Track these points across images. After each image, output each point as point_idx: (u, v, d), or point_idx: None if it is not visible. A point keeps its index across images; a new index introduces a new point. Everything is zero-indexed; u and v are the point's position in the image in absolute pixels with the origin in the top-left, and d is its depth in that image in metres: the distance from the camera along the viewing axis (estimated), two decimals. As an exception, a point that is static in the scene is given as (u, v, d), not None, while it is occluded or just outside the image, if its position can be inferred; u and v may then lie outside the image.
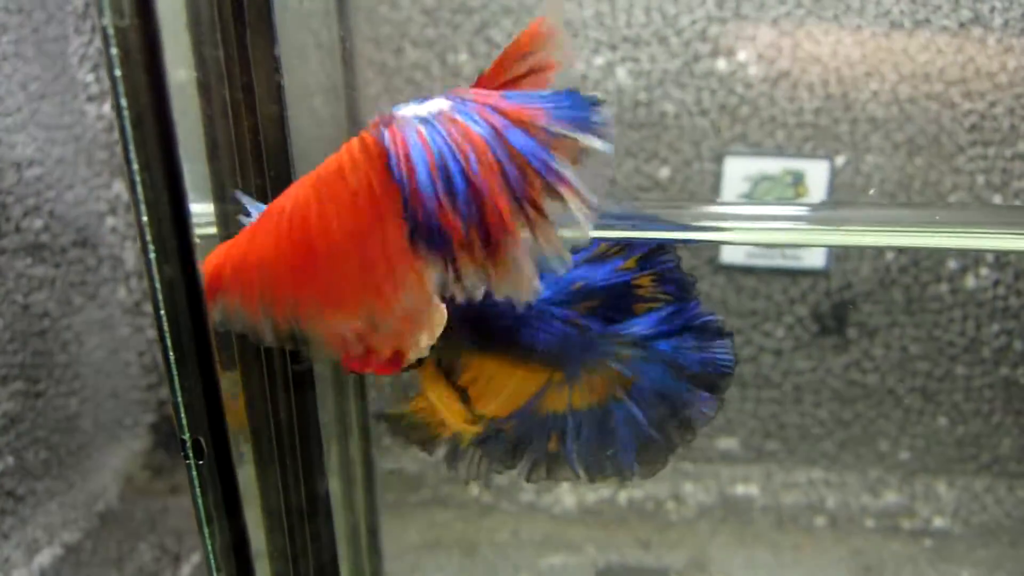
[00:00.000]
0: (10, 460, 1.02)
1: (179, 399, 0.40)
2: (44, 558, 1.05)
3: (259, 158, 0.42)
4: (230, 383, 0.49)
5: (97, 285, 1.22)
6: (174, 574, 1.06)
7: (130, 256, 1.25)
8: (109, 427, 1.25)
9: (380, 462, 0.76)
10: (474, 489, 1.19)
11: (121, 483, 1.24)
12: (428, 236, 0.34)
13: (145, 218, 0.37)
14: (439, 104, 0.36)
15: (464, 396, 0.49)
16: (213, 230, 0.43)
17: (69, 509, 1.13)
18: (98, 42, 1.16)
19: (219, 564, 0.43)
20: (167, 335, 0.39)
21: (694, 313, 0.48)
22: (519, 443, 0.53)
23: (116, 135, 1.21)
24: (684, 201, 1.08)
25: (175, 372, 0.40)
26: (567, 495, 1.18)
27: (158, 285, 0.38)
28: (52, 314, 1.10)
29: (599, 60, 1.08)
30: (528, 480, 0.54)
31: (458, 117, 0.34)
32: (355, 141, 0.35)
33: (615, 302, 0.49)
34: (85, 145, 1.19)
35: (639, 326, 0.48)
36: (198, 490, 0.42)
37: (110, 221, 1.23)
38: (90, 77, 1.18)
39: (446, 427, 0.51)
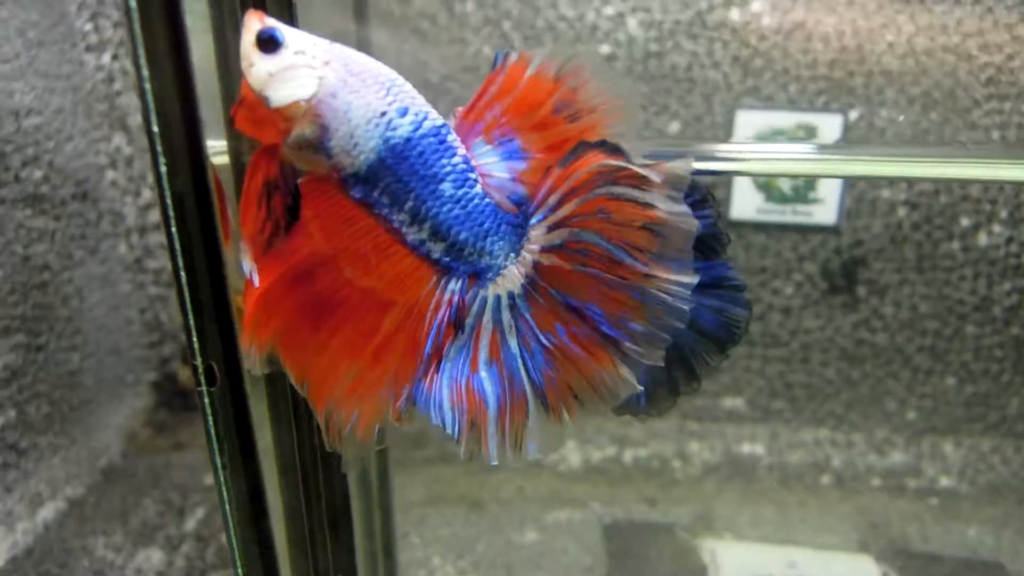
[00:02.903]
0: (12, 414, 1.01)
1: (191, 322, 0.39)
2: (48, 512, 1.05)
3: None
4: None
5: (98, 240, 1.20)
6: (179, 528, 1.05)
7: (131, 211, 1.24)
8: (111, 383, 1.24)
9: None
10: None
11: (124, 439, 1.24)
12: None
13: (155, 128, 0.35)
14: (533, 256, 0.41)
15: None
16: (225, 159, 0.41)
17: (72, 464, 1.12)
18: (97, -10, 1.14)
19: (231, 493, 0.42)
20: (178, 254, 0.38)
21: (720, 273, 0.46)
22: None
23: (116, 87, 1.19)
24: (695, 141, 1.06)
25: (187, 295, 0.38)
26: (573, 453, 1.18)
27: (168, 200, 0.37)
28: (52, 267, 1.09)
29: (609, 10, 1.05)
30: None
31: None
32: None
33: None
34: (84, 96, 1.17)
35: None
36: (210, 418, 0.41)
37: (110, 175, 1.21)
38: (88, 26, 1.15)
39: None
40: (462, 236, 0.41)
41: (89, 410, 1.18)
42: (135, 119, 1.19)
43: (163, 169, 0.36)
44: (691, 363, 0.48)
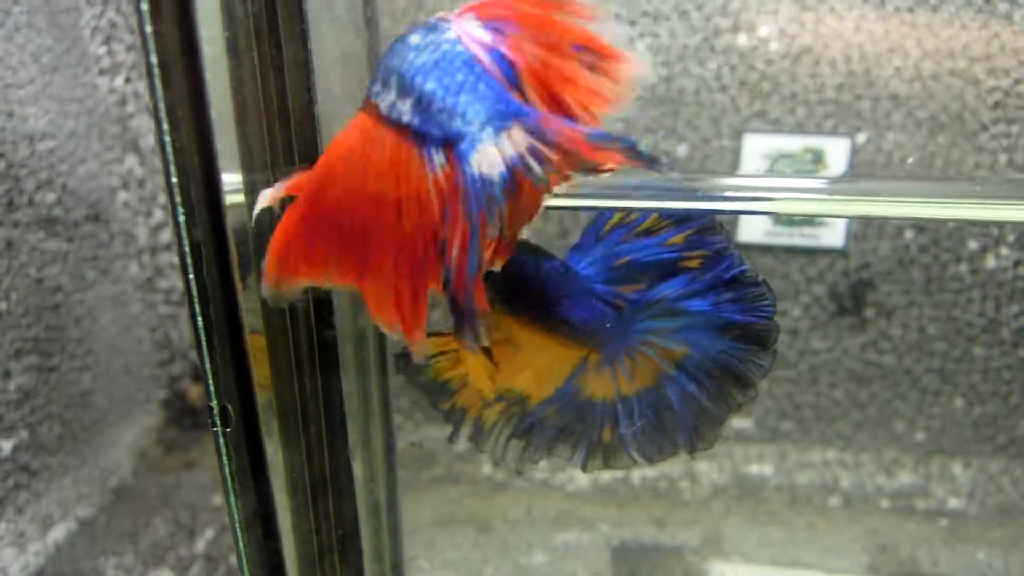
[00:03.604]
0: (24, 435, 1.02)
1: (207, 365, 0.39)
2: (59, 532, 1.06)
3: (286, 122, 0.41)
4: (257, 353, 0.49)
5: (110, 260, 1.21)
6: (189, 549, 1.06)
7: (142, 232, 1.25)
8: (122, 403, 1.25)
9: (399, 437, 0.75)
10: (487, 467, 1.19)
11: (134, 458, 1.24)
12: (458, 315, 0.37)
13: (174, 179, 0.36)
14: (516, 150, 0.36)
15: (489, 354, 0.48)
16: (240, 198, 0.42)
17: (83, 484, 1.13)
18: (110, 14, 1.15)
19: (244, 533, 0.43)
20: (195, 300, 0.38)
21: (724, 266, 0.47)
22: (565, 431, 0.51)
23: (128, 109, 1.20)
24: (703, 174, 1.07)
25: (203, 338, 0.39)
26: (581, 473, 1.18)
27: (187, 248, 0.37)
28: (65, 289, 1.10)
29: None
30: (584, 470, 0.53)
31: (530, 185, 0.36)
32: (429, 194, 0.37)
33: (662, 279, 0.48)
34: (97, 119, 1.18)
35: (669, 288, 0.47)
36: (224, 458, 0.41)
37: (122, 196, 1.23)
38: (102, 50, 1.17)
39: (465, 381, 0.50)
40: (428, 87, 0.36)
41: (100, 429, 1.19)
42: (147, 140, 1.21)
43: (181, 219, 0.37)
44: (740, 373, 0.48)
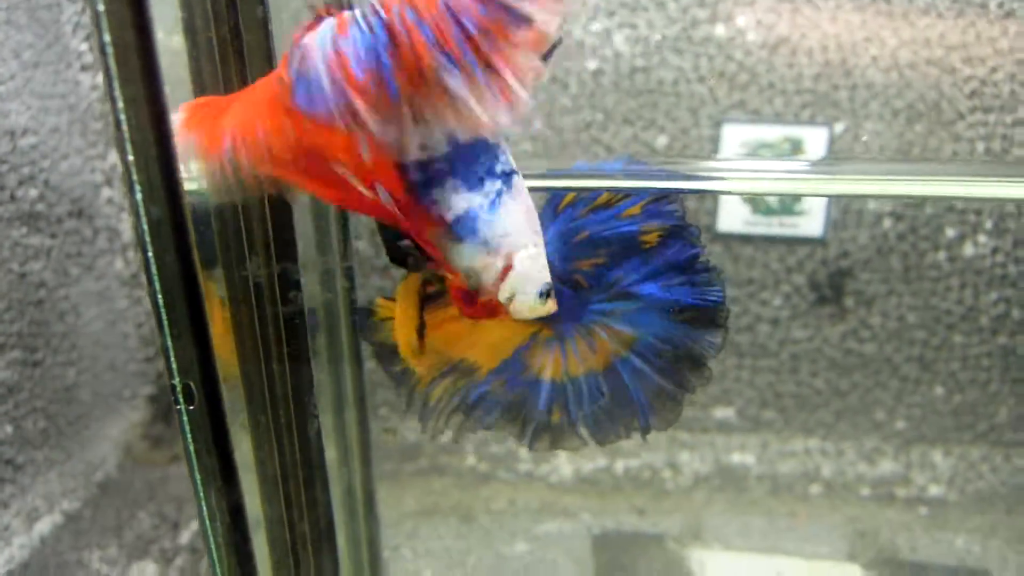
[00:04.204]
0: (9, 429, 1.02)
1: (168, 343, 0.40)
2: (44, 526, 1.06)
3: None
4: (223, 343, 0.49)
5: (94, 256, 1.21)
6: (173, 541, 1.06)
7: (127, 228, 1.25)
8: (108, 398, 1.25)
9: (375, 425, 0.76)
10: (471, 458, 1.19)
11: (120, 453, 1.25)
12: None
13: (131, 157, 0.37)
14: None
15: (422, 331, 0.48)
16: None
17: (68, 478, 1.13)
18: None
19: (212, 511, 0.43)
20: (155, 278, 0.39)
21: (677, 248, 0.48)
22: (511, 408, 0.52)
23: (111, 104, 1.20)
24: (682, 158, 1.07)
25: (164, 316, 0.39)
26: (565, 464, 1.19)
27: (145, 226, 0.38)
28: (49, 284, 1.10)
29: (596, 26, 1.07)
30: (531, 449, 0.53)
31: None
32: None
33: (621, 256, 0.48)
34: (79, 115, 1.18)
35: (622, 271, 0.48)
36: (189, 436, 0.42)
37: (106, 192, 1.23)
38: (84, 46, 1.17)
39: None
40: None
41: (86, 424, 1.19)
42: (131, 136, 1.21)
43: (139, 196, 0.37)
44: (692, 352, 0.49)
